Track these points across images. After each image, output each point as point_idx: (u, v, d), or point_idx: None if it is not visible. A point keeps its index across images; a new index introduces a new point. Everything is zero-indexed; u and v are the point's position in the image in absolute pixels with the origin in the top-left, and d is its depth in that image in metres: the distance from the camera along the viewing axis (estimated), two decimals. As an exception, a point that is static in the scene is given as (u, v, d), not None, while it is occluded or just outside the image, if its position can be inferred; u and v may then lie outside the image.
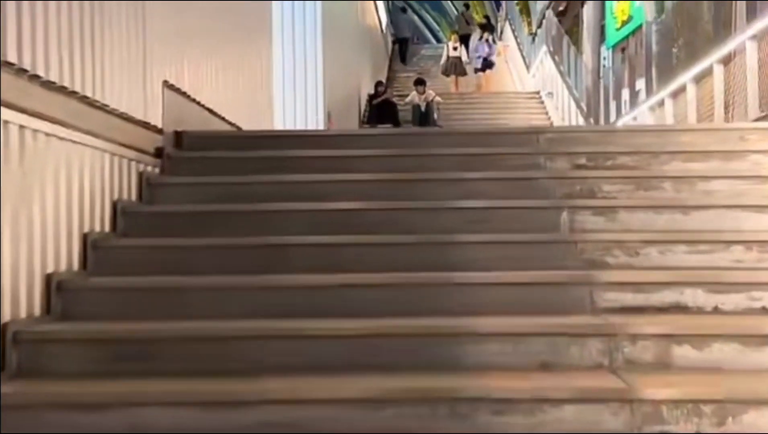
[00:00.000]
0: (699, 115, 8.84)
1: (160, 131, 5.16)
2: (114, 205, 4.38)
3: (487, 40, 22.16)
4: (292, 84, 12.48)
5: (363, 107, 18.71)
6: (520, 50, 26.00)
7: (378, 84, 18.93)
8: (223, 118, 6.64)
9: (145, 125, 4.92)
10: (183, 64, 5.68)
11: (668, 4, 10.18)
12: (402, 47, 29.65)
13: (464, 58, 21.65)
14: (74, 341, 3.37)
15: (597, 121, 14.41)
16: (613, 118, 13.45)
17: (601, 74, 18.53)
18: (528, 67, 23.95)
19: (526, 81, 23.75)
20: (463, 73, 21.47)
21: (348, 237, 4.25)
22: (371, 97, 18.62)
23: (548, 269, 3.97)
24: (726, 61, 8.27)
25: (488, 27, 29.78)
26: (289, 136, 6.37)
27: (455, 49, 21.66)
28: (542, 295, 3.72)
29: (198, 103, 6.01)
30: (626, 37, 23.65)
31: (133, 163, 4.72)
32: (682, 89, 9.38)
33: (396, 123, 18.25)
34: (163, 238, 4.27)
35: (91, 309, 3.66)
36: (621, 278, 3.77)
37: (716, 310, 3.67)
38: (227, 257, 4.10)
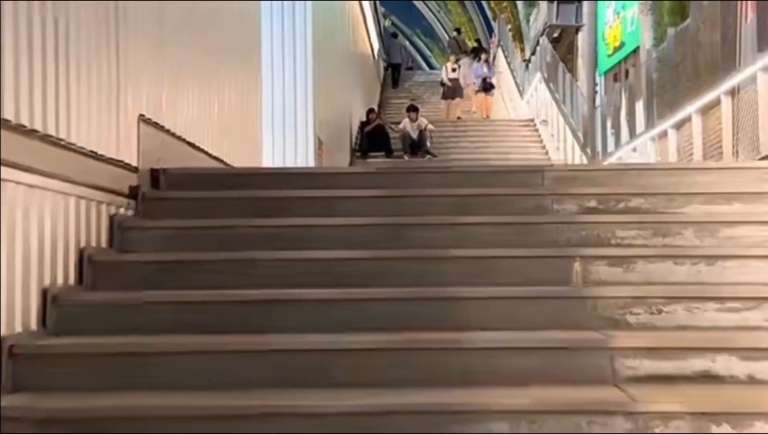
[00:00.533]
0: (705, 148, 8.47)
1: (135, 169, 4.75)
2: (80, 254, 3.96)
3: (486, 61, 21.93)
4: (281, 113, 12.12)
5: (355, 135, 18.34)
6: (513, 77, 25.71)
7: (369, 111, 18.60)
8: (207, 153, 6.24)
9: (118, 163, 4.51)
10: (162, 96, 5.29)
11: (670, 31, 9.83)
12: (394, 72, 29.46)
13: (462, 80, 21.36)
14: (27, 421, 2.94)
15: (594, 152, 14.05)
16: (611, 148, 13.09)
17: (597, 102, 18.25)
18: (521, 94, 23.66)
19: (520, 108, 23.45)
20: (461, 95, 21.32)
21: (336, 291, 3.84)
22: (363, 125, 18.25)
23: (561, 329, 3.56)
24: (734, 92, 7.92)
25: (480, 50, 29.60)
26: (277, 174, 5.96)
27: (454, 70, 21.35)
28: (557, 362, 3.31)
29: (180, 138, 5.61)
30: (618, 64, 23.43)
31: (104, 206, 4.31)
32: (687, 120, 9.02)
33: (389, 151, 17.90)
34: (132, 292, 3.84)
35: (48, 380, 3.23)
36: (645, 342, 3.36)
37: (752, 380, 3.26)
38: (203, 314, 3.68)
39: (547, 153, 17.98)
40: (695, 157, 8.66)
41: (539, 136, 18.92)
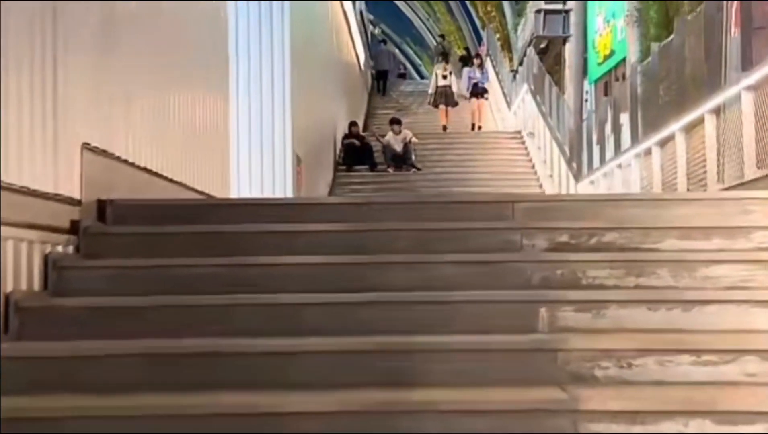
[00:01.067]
0: (689, 168, 8.22)
1: (77, 202, 4.45)
2: (6, 300, 3.67)
3: (480, 65, 20.90)
4: (255, 128, 11.80)
5: (339, 148, 18.05)
6: (501, 87, 25.46)
7: (352, 124, 18.25)
8: (167, 179, 5.93)
9: (56, 197, 4.21)
10: (111, 120, 4.99)
11: (654, 46, 9.57)
12: (381, 80, 29.27)
13: (454, 87, 20.49)
14: None
15: (580, 166, 13.79)
16: (596, 163, 12.83)
17: (584, 116, 18.00)
18: (509, 105, 23.40)
19: (508, 118, 23.17)
20: (455, 104, 20.33)
21: (283, 341, 3.55)
22: (345, 138, 17.93)
23: (524, 385, 3.28)
24: (719, 111, 7.67)
25: (469, 59, 29.38)
26: (234, 205, 5.64)
27: (444, 77, 20.44)
28: (516, 425, 3.02)
29: (133, 165, 5.30)
30: (609, 72, 23.24)
31: (37, 245, 4.01)
32: (671, 138, 8.77)
33: (372, 164, 17.62)
34: (59, 343, 3.55)
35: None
36: (612, 405, 3.08)
37: (729, 447, 2.98)
38: (133, 370, 3.38)
39: (533, 166, 17.74)
40: (679, 176, 8.41)
41: (526, 148, 18.67)
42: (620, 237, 4.43)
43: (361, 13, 27.35)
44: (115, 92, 5.01)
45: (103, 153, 4.81)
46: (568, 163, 14.68)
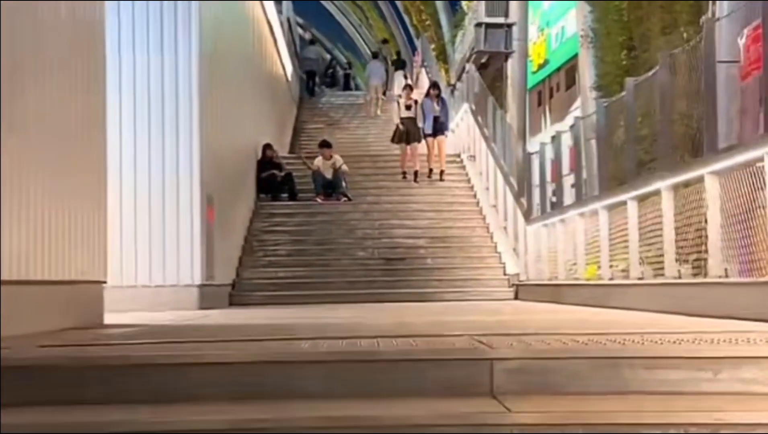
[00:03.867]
0: (681, 238, 6.73)
1: None
2: None
3: (438, 96, 16.78)
4: (156, 167, 9.98)
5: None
6: (438, 101, 23.87)
7: (266, 147, 16.08)
8: None
9: None
10: None
11: (629, 81, 8.05)
12: (310, 80, 27.67)
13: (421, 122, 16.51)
14: None
15: (531, 205, 12.26)
16: (551, 205, 11.32)
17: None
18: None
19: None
20: (419, 140, 16.49)
21: None
22: (259, 164, 15.90)
23: None
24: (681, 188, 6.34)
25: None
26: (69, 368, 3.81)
27: (408, 107, 16.68)
28: None
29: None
30: (543, 81, 22.02)
31: None
32: (654, 194, 7.33)
33: (293, 195, 15.85)
34: None
35: None
36: None
37: None
38: None
39: (475, 195, 16.21)
40: (666, 246, 6.92)
41: (466, 174, 17.13)
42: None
43: (288, 20, 25.58)
44: None
45: None
46: (516, 198, 13.16)
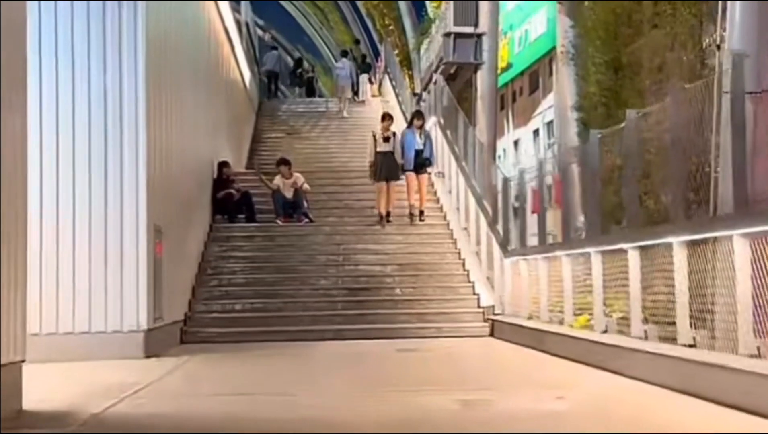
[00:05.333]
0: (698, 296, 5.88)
1: None
2: None
3: (420, 128, 14.60)
4: (102, 194, 8.94)
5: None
6: (402, 111, 22.93)
7: (222, 165, 15.05)
8: None
9: None
10: None
11: (630, 112, 7.15)
12: (271, 82, 27.09)
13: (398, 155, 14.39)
14: None
15: (507, 236, 11.37)
16: (533, 238, 10.43)
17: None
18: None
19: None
20: (398, 177, 14.37)
21: None
22: (215, 184, 14.86)
23: None
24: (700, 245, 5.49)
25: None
26: None
27: (387, 139, 14.35)
28: None
29: None
30: (505, 85, 21.34)
31: None
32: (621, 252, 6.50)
33: (251, 217, 14.81)
34: None
35: None
36: None
37: None
38: None
39: (445, 216, 15.30)
40: (679, 308, 6.05)
41: (435, 192, 16.20)
42: None
43: (247, 24, 24.49)
44: None
45: None
46: (491, 225, 12.27)
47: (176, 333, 10.98)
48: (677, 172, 6.19)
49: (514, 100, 32.43)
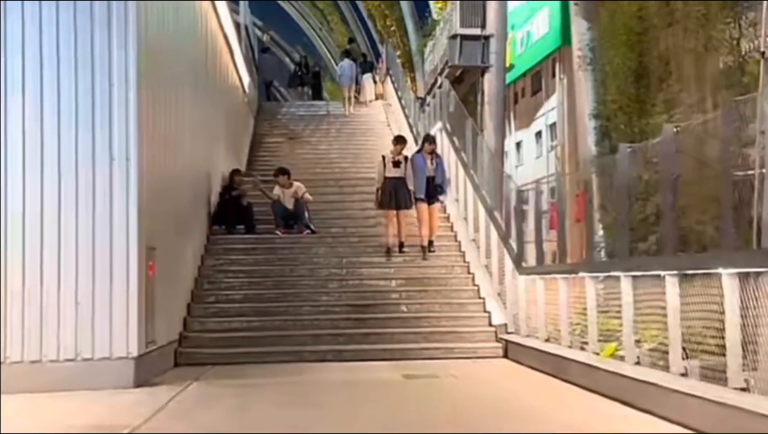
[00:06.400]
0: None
1: None
2: None
3: (432, 153, 13.39)
4: (90, 213, 8.27)
5: (214, 203, 14.49)
6: (405, 115, 22.25)
7: (234, 172, 14.70)
8: None
9: None
10: None
11: (668, 127, 6.49)
12: (268, 87, 26.69)
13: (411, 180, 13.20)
14: None
15: (522, 251, 10.71)
16: (550, 256, 9.78)
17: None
18: (416, 139, 20.15)
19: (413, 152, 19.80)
20: (409, 206, 13.21)
21: None
22: (224, 191, 14.40)
23: None
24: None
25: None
26: None
27: (397, 164, 13.22)
28: None
29: None
30: (507, 86, 20.69)
31: None
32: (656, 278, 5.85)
33: (250, 228, 14.19)
34: None
35: None
36: None
37: None
38: None
39: (452, 227, 14.67)
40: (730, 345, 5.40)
41: (441, 200, 15.50)
42: None
43: (246, 28, 23.83)
44: None
45: None
46: (504, 240, 11.61)
47: (170, 356, 10.32)
48: (726, 195, 5.56)
49: (516, 101, 31.80)
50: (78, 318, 8.21)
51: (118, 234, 8.36)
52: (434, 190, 13.18)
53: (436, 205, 13.37)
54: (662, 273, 6.39)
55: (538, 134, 32.08)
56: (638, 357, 7.15)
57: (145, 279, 8.63)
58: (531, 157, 33.02)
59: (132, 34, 8.45)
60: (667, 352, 6.59)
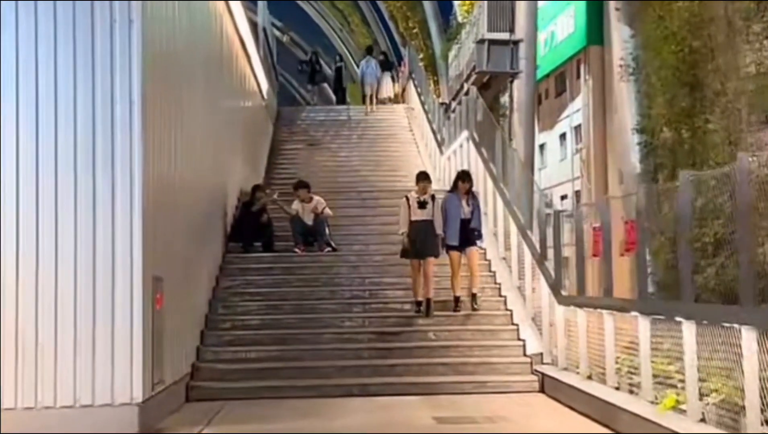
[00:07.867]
0: None
1: None
2: None
3: (468, 192, 11.61)
4: (91, 244, 7.52)
5: (230, 218, 13.76)
6: (429, 120, 21.41)
7: (255, 188, 13.94)
8: None
9: None
10: None
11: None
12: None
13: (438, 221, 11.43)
14: None
15: (560, 279, 9.89)
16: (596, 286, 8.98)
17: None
18: (440, 146, 19.32)
19: (439, 163, 19.05)
20: (436, 253, 11.39)
21: None
22: (245, 206, 13.67)
23: None
24: None
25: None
26: None
27: (423, 205, 11.43)
28: None
29: None
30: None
31: None
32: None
33: (268, 245, 13.44)
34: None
35: None
36: None
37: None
38: None
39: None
40: None
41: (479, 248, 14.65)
42: None
43: (264, 30, 23.09)
44: None
45: None
46: (539, 262, 10.79)
47: (181, 392, 9.57)
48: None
49: (539, 103, 30.93)
50: (77, 361, 7.47)
51: (121, 265, 7.62)
52: (470, 234, 11.46)
53: (474, 250, 11.51)
54: (737, 324, 5.57)
55: (562, 136, 31.28)
56: (703, 413, 6.33)
57: (151, 313, 7.89)
58: (555, 160, 32.22)
59: (136, 37, 7.70)
60: (738, 409, 5.78)
